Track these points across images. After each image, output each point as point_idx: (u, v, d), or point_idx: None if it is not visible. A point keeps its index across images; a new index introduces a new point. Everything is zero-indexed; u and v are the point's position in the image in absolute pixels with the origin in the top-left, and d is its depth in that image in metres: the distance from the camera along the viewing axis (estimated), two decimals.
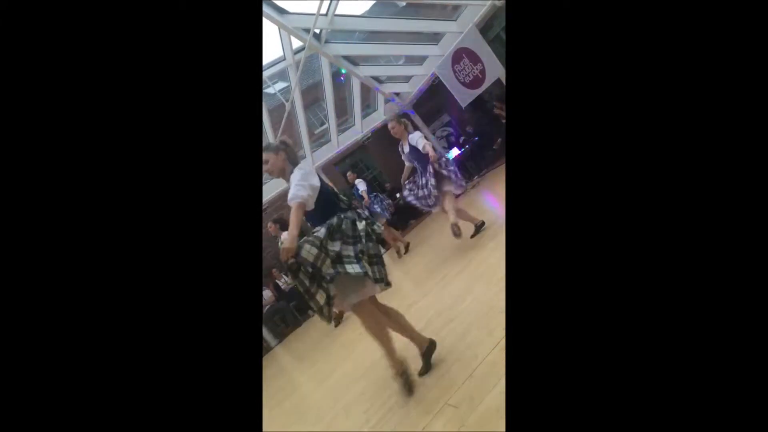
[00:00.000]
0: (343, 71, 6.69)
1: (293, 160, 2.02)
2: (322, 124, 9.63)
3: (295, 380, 3.59)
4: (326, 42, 6.18)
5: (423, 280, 3.74)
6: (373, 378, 1.73)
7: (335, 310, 1.87)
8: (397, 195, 8.25)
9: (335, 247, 1.73)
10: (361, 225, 1.81)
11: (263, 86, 6.33)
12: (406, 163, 3.74)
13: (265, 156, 1.95)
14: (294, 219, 1.75)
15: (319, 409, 2.62)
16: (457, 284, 2.95)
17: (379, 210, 5.66)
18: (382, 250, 1.90)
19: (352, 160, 10.54)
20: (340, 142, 7.94)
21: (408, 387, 1.84)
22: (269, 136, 6.65)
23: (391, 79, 7.57)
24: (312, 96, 7.74)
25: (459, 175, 3.59)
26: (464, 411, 1.54)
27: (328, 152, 7.99)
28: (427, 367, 1.96)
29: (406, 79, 7.50)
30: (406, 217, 8.38)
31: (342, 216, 1.82)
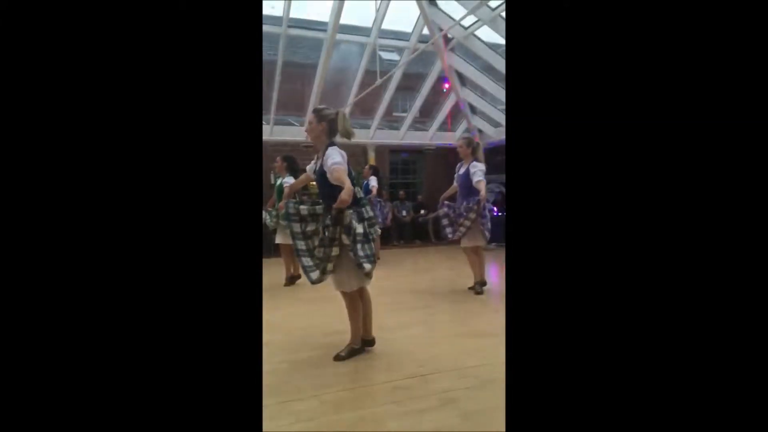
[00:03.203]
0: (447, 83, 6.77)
1: (331, 133, 2.06)
2: (403, 111, 9.77)
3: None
4: (450, 49, 6.28)
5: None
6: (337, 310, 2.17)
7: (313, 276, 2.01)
8: (422, 211, 8.34)
9: (360, 229, 1.95)
10: (359, 228, 1.95)
11: (378, 48, 6.48)
12: (455, 184, 3.67)
13: (309, 118, 2.07)
14: (346, 179, 1.83)
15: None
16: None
17: (377, 214, 5.78)
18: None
19: (407, 158, 10.62)
20: (405, 137, 8.07)
21: (346, 356, 2.10)
22: (352, 93, 6.81)
23: (484, 115, 7.62)
24: (409, 82, 7.87)
25: (489, 232, 3.56)
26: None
27: (389, 137, 8.13)
28: (342, 357, 2.11)
29: (496, 124, 7.54)
30: (409, 234, 8.42)
31: (351, 211, 1.94)
